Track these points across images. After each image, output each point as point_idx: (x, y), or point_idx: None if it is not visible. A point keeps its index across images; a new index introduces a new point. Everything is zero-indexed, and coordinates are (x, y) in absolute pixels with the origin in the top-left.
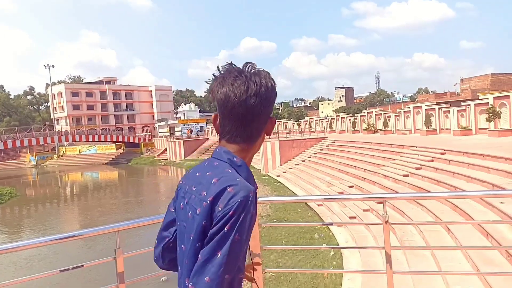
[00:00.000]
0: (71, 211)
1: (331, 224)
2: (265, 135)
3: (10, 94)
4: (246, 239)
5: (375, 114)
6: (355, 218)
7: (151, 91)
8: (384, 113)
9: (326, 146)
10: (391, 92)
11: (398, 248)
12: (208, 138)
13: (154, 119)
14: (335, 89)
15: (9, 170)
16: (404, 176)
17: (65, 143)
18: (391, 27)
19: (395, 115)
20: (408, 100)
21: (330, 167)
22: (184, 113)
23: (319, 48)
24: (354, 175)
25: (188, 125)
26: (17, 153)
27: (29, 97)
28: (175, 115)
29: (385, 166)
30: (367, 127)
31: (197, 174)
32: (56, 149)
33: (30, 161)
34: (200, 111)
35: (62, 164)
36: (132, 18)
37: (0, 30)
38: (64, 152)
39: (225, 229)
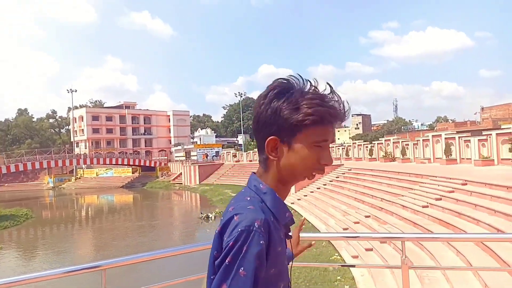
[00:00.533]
0: (85, 234)
1: (344, 266)
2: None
3: (33, 117)
4: (254, 274)
5: (393, 142)
6: (371, 250)
7: (169, 115)
8: (402, 141)
9: (342, 173)
10: (409, 120)
11: None
12: (223, 163)
13: (171, 143)
14: (352, 116)
15: (27, 191)
16: (424, 207)
17: (83, 166)
18: (409, 55)
19: (413, 143)
20: (427, 128)
21: (346, 195)
22: (200, 138)
23: (336, 75)
24: (370, 205)
25: (204, 149)
26: (36, 175)
27: (51, 120)
28: (191, 140)
29: (403, 196)
30: (384, 155)
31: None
32: (74, 172)
33: (48, 183)
34: (216, 136)
35: (79, 187)
36: (154, 45)
37: (28, 55)
38: (82, 175)
39: (227, 261)
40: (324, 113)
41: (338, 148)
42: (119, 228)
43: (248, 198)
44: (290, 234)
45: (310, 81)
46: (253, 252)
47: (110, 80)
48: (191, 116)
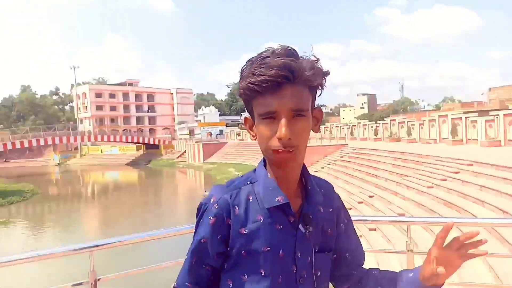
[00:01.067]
0: (91, 210)
1: None
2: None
3: (37, 94)
4: (197, 245)
5: (398, 122)
6: (375, 229)
7: (172, 93)
8: (408, 121)
9: (347, 153)
10: (416, 100)
11: None
12: (227, 142)
13: (174, 121)
14: (357, 95)
15: (33, 168)
16: (428, 187)
17: (88, 143)
18: (416, 34)
19: (419, 124)
20: (433, 108)
21: (350, 175)
22: (204, 116)
23: (341, 54)
24: (375, 185)
25: (207, 128)
26: (42, 151)
27: (54, 97)
28: (195, 118)
29: (408, 176)
30: (389, 135)
31: None
32: (79, 149)
33: (53, 160)
34: (220, 115)
35: (84, 164)
36: (156, 22)
37: (31, 33)
38: (87, 152)
39: None
40: (245, 83)
41: (343, 128)
42: (125, 204)
43: (237, 179)
44: (292, 219)
45: (269, 49)
46: (201, 224)
47: (113, 57)
48: (194, 94)
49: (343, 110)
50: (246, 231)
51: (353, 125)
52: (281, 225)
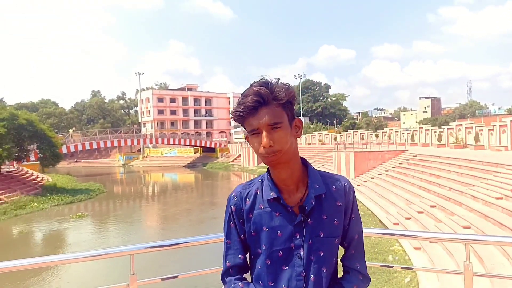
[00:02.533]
0: (151, 208)
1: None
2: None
3: (105, 99)
4: (227, 227)
5: (465, 127)
6: (436, 242)
7: (229, 97)
8: (475, 126)
9: (407, 159)
10: (485, 104)
11: None
12: None
13: (230, 125)
14: (420, 99)
15: (100, 168)
16: (497, 198)
17: (150, 145)
18: (485, 33)
19: (488, 129)
20: (505, 113)
21: (410, 183)
22: None
23: (402, 55)
24: (437, 194)
25: None
26: (108, 152)
27: (121, 102)
28: None
29: (474, 186)
30: (455, 141)
31: None
32: (141, 151)
33: (119, 161)
34: None
35: (146, 165)
36: (215, 28)
37: (101, 41)
38: (149, 154)
39: None
40: (234, 112)
41: (403, 133)
42: (182, 204)
43: (255, 178)
44: (290, 209)
45: (259, 81)
46: (227, 211)
47: (174, 63)
48: None
49: (404, 114)
50: (252, 216)
51: (414, 130)
52: (280, 213)
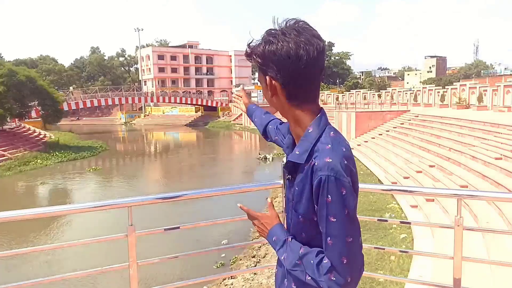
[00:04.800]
0: (154, 165)
1: (385, 220)
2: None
3: (105, 56)
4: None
5: (469, 88)
6: (432, 200)
7: (230, 56)
8: (479, 87)
9: (408, 120)
10: (491, 64)
11: (471, 261)
12: None
13: (232, 84)
14: (425, 58)
15: (102, 125)
16: (496, 159)
17: (151, 104)
18: None
19: (492, 90)
20: (511, 73)
21: (410, 143)
22: None
23: (407, 12)
24: (436, 154)
25: None
26: (110, 110)
27: (121, 59)
28: (252, 81)
29: (474, 146)
30: (458, 101)
31: None
32: (143, 109)
33: (120, 119)
34: None
35: (147, 123)
36: None
37: None
38: (150, 112)
39: None
40: None
41: (406, 93)
42: (184, 161)
43: None
44: (288, 176)
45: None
46: (342, 191)
47: (175, 18)
48: None
49: (408, 74)
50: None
51: (417, 90)
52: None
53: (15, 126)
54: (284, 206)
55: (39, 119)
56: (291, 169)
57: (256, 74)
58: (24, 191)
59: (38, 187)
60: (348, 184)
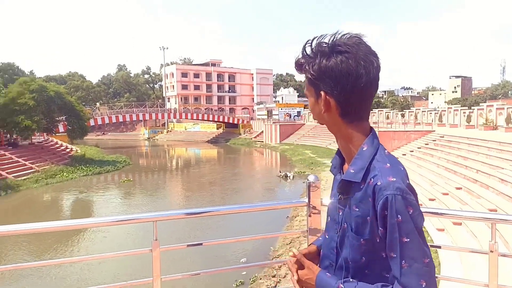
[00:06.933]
0: (175, 181)
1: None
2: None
3: (131, 73)
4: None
5: (496, 108)
6: (460, 224)
7: (252, 74)
8: (507, 107)
9: (433, 140)
10: None
11: None
12: (304, 124)
13: (253, 101)
14: (450, 78)
15: (126, 140)
16: None
17: (174, 120)
18: None
19: None
20: None
21: (436, 164)
22: (282, 97)
23: (430, 31)
24: (463, 176)
25: (285, 109)
26: (134, 126)
27: (146, 76)
28: (273, 99)
29: (503, 168)
30: (485, 122)
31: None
32: (166, 125)
33: (143, 134)
34: (298, 96)
35: (169, 139)
36: (238, 3)
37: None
38: (173, 128)
39: None
40: None
41: (430, 113)
42: (205, 177)
43: None
44: (340, 196)
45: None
46: (409, 212)
47: (198, 38)
48: (274, 75)
49: (432, 94)
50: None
51: (442, 110)
52: (337, 180)
53: (43, 140)
54: (326, 226)
55: (65, 134)
56: (344, 188)
57: (278, 92)
58: (50, 203)
59: (64, 199)
60: (415, 202)
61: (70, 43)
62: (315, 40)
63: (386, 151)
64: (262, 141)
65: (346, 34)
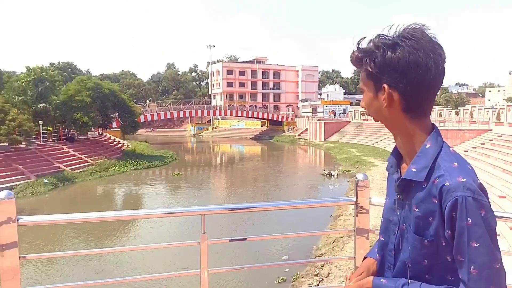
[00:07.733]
0: (220, 176)
1: None
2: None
3: (179, 71)
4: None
5: None
6: None
7: (297, 71)
8: None
9: (490, 140)
10: None
11: None
12: (350, 121)
13: (298, 98)
14: (510, 73)
15: (174, 137)
16: None
17: (219, 117)
18: None
19: None
20: None
21: (492, 165)
22: (328, 94)
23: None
24: None
25: (330, 106)
26: (181, 122)
27: (193, 74)
28: (318, 96)
29: None
30: None
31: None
32: (211, 122)
33: (190, 131)
34: (344, 93)
35: (214, 135)
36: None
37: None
38: (218, 125)
39: None
40: None
41: (487, 111)
42: (248, 174)
43: None
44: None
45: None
46: (482, 213)
47: (244, 35)
48: (319, 71)
49: (490, 91)
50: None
51: (500, 108)
52: (393, 179)
53: (97, 135)
54: (381, 227)
55: (118, 129)
56: (403, 188)
57: (323, 89)
58: (103, 195)
59: (116, 191)
60: (487, 204)
61: (123, 43)
62: (376, 36)
63: (451, 149)
64: (306, 139)
65: (411, 25)
